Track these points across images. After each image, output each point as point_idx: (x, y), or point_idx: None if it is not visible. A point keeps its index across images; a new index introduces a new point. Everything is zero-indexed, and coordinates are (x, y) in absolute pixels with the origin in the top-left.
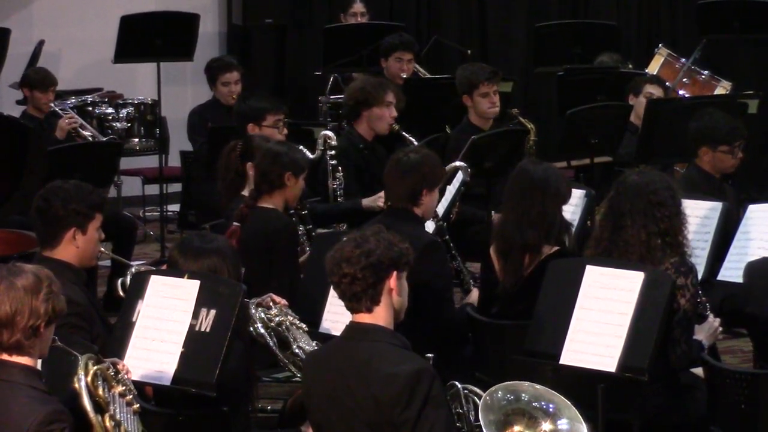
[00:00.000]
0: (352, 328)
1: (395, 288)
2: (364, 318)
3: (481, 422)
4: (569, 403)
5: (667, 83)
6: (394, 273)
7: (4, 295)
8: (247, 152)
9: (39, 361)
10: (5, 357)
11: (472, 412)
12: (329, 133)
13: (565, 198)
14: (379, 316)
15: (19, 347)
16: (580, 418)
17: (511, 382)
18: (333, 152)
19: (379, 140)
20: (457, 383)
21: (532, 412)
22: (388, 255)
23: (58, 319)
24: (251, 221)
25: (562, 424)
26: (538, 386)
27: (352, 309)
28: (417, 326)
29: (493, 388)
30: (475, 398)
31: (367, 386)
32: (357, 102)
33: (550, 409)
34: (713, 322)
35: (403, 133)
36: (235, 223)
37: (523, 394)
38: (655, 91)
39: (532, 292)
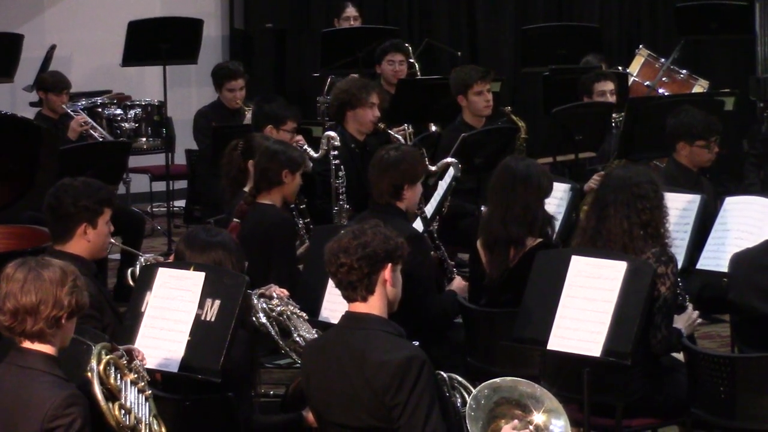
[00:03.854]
0: (348, 316)
1: (389, 279)
2: (359, 307)
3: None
4: (551, 394)
5: (647, 83)
6: (389, 265)
7: (31, 284)
8: (248, 150)
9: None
10: (27, 344)
11: (458, 399)
12: (332, 133)
13: (547, 192)
14: (374, 305)
15: (41, 335)
16: (562, 409)
17: (490, 381)
18: (336, 152)
19: (375, 136)
20: (442, 372)
21: (520, 400)
22: (383, 247)
23: (80, 314)
24: (251, 217)
25: (555, 423)
26: (518, 379)
27: (348, 298)
28: (406, 313)
29: (474, 392)
30: (461, 389)
31: (362, 372)
32: (341, 103)
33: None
34: (692, 313)
35: (390, 131)
36: (235, 220)
37: (504, 388)
38: (606, 87)
39: (518, 283)
